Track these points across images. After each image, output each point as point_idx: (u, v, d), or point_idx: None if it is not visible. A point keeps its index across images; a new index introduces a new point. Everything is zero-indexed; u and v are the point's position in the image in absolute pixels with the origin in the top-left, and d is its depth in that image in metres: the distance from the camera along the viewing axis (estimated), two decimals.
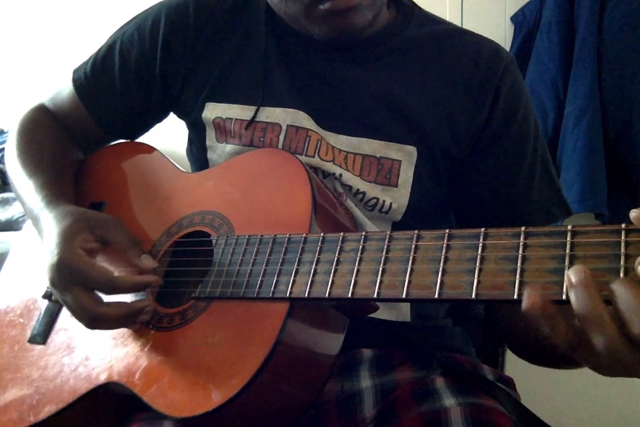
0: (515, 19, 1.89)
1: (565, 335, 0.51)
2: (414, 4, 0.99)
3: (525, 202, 0.91)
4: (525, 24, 1.86)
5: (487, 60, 0.92)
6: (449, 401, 0.75)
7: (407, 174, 0.89)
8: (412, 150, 0.89)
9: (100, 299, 0.77)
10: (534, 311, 0.49)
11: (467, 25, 1.89)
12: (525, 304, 0.50)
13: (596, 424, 1.76)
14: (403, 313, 0.91)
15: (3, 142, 2.07)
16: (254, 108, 0.91)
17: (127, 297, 0.81)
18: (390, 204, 0.89)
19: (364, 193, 0.88)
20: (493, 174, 0.91)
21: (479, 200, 0.93)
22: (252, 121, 0.91)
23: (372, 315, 0.78)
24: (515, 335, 0.90)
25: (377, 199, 0.88)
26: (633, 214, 0.48)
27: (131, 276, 0.79)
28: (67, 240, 0.78)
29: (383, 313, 0.86)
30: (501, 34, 1.89)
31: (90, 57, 1.03)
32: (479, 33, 0.97)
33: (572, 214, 0.94)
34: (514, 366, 1.01)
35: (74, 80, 1.03)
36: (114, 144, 1.07)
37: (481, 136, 0.91)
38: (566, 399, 1.72)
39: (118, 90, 1.00)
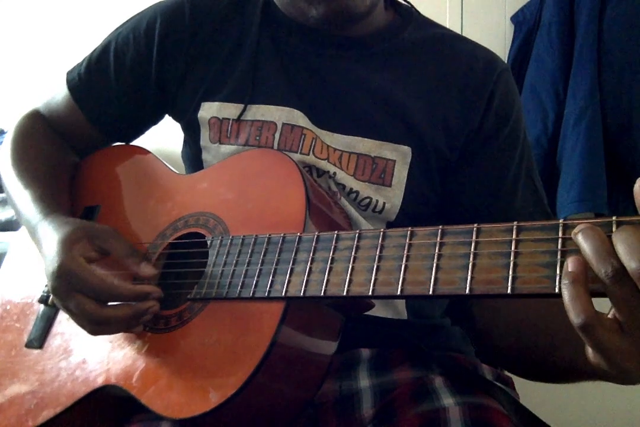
0: (515, 19, 1.89)
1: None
2: (413, 7, 1.00)
3: (507, 209, 0.91)
4: (525, 24, 1.86)
5: (483, 66, 0.93)
6: (447, 401, 0.75)
7: (401, 174, 0.89)
8: (406, 150, 0.89)
9: (103, 302, 0.76)
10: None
11: (467, 25, 1.89)
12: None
13: (596, 424, 1.75)
14: (399, 311, 0.90)
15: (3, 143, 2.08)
16: (248, 106, 0.91)
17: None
18: (384, 203, 0.88)
19: (357, 192, 0.88)
20: (479, 179, 0.92)
21: (464, 205, 0.93)
22: (239, 119, 0.90)
23: (368, 312, 0.78)
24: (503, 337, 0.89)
25: (370, 198, 0.88)
26: (636, 185, 0.48)
27: (132, 285, 0.78)
28: (67, 248, 0.78)
29: (379, 311, 0.85)
30: (501, 34, 1.89)
31: (84, 59, 1.03)
32: (479, 33, 0.98)
33: None
34: None
35: (68, 82, 1.03)
36: (108, 148, 1.07)
37: (473, 140, 0.91)
38: (566, 399, 1.70)
39: (113, 91, 1.00)
